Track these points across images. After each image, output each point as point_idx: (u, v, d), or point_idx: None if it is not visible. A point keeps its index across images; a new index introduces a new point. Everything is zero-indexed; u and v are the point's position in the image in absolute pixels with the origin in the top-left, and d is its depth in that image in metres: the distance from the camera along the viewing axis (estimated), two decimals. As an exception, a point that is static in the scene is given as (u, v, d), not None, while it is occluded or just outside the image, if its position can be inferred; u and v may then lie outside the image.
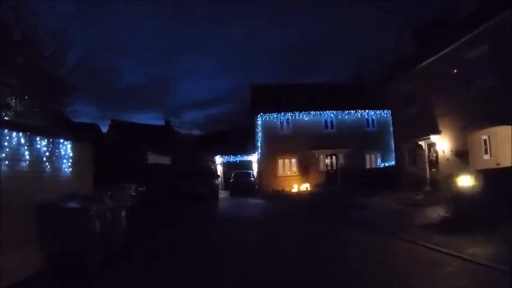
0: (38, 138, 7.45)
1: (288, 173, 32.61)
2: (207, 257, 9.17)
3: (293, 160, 32.66)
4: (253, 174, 34.27)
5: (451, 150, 17.84)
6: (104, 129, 40.18)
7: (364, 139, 32.08)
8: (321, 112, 32.49)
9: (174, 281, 7.25)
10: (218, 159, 38.39)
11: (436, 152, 19.52)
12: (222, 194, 29.99)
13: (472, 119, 16.10)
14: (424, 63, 19.65)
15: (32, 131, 7.33)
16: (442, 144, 18.78)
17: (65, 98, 10.48)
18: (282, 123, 32.69)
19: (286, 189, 30.45)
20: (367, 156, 32.87)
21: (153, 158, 26.81)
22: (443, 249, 8.04)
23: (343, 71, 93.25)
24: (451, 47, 17.26)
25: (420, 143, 20.64)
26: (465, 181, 10.78)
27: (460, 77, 16.93)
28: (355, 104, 32.40)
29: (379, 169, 30.69)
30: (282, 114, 32.36)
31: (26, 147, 6.98)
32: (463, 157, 16.74)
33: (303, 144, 31.57)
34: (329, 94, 32.92)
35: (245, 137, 36.94)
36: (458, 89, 17.06)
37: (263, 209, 20.99)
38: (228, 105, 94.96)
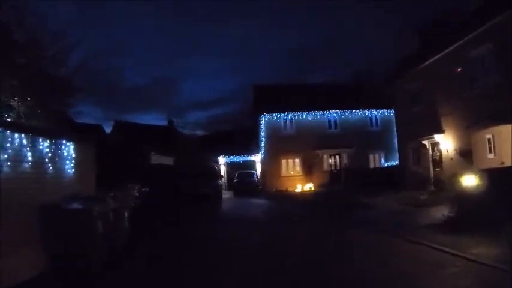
0: (40, 140, 7.45)
1: (292, 173, 32.60)
2: (211, 257, 9.15)
3: (296, 160, 32.65)
4: (256, 175, 34.29)
5: (455, 150, 17.77)
6: (108, 130, 40.29)
7: (367, 139, 32.04)
8: (324, 112, 32.47)
9: (177, 281, 7.24)
10: (221, 160, 38.41)
11: (440, 151, 19.45)
12: (226, 194, 29.99)
13: (476, 118, 16.01)
14: (428, 62, 19.59)
15: (34, 132, 7.33)
16: (446, 143, 18.71)
17: (68, 99, 10.49)
18: (285, 123, 32.67)
19: (290, 189, 30.42)
20: (371, 156, 32.84)
21: (156, 159, 26.84)
22: (447, 249, 7.98)
23: (343, 71, 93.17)
24: (455, 45, 17.20)
25: (424, 142, 20.57)
26: (469, 180, 10.70)
27: (464, 76, 16.87)
28: (359, 104, 32.39)
29: (382, 169, 30.65)
30: (285, 114, 32.35)
31: (28, 149, 6.98)
32: (467, 156, 16.67)
33: (306, 144, 31.54)
34: (332, 94, 32.89)
35: (248, 137, 36.95)
36: (462, 88, 16.99)
37: (266, 209, 20.97)
38: (231, 105, 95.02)
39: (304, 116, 32.38)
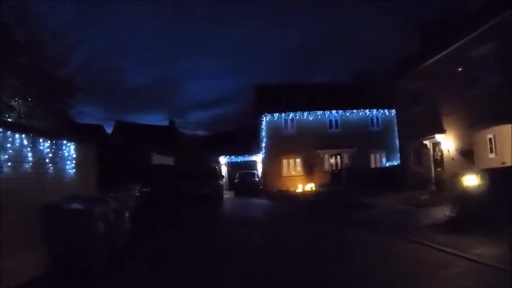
0: (41, 140, 7.45)
1: (293, 173, 32.57)
2: (211, 258, 9.15)
3: (298, 160, 32.61)
4: (257, 175, 34.27)
5: (456, 149, 17.74)
6: (109, 130, 40.30)
7: (368, 138, 31.99)
8: (325, 112, 32.42)
9: (178, 281, 7.24)
10: (223, 160, 38.39)
11: (441, 151, 19.42)
12: (227, 195, 30.00)
13: (477, 118, 15.98)
14: (429, 61, 19.56)
15: (34, 132, 7.33)
16: (447, 143, 18.68)
17: (68, 100, 10.48)
18: (286, 123, 32.63)
19: (291, 189, 30.38)
20: (372, 156, 32.77)
21: (157, 159, 26.84)
22: (449, 250, 7.97)
23: (344, 71, 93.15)
24: (457, 44, 17.17)
25: (425, 142, 20.55)
26: (470, 180, 10.69)
27: (465, 75, 16.84)
28: (360, 104, 32.32)
29: (384, 168, 30.61)
30: (286, 114, 32.31)
31: (29, 149, 6.98)
32: (468, 156, 16.64)
33: (307, 144, 31.50)
34: (333, 94, 32.82)
35: (249, 137, 36.92)
36: (463, 88, 16.96)
37: (268, 209, 20.97)
38: (232, 105, 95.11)
39: (305, 116, 32.33)
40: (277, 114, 32.29)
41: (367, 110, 32.76)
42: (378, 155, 32.92)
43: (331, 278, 6.94)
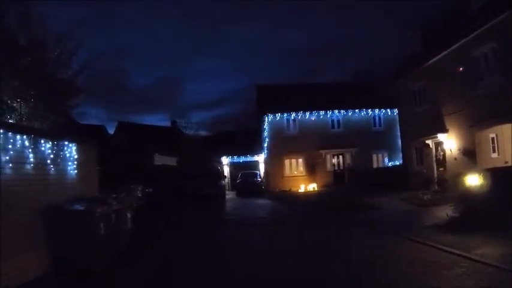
0: (42, 141, 7.45)
1: (295, 173, 32.54)
2: (213, 258, 9.18)
3: (300, 160, 32.58)
4: (260, 175, 34.24)
5: (459, 149, 17.70)
6: (111, 131, 40.40)
7: (371, 138, 31.96)
8: (328, 112, 32.37)
9: (179, 281, 7.24)
10: (225, 160, 38.39)
11: (444, 150, 19.38)
12: (229, 195, 29.97)
13: (479, 117, 15.95)
14: (431, 61, 19.52)
15: (36, 133, 7.33)
16: (450, 142, 18.64)
17: (71, 100, 10.48)
18: (288, 123, 32.60)
19: (293, 189, 30.38)
20: (374, 156, 32.73)
21: (159, 159, 26.89)
22: (451, 250, 7.95)
23: (346, 71, 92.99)
24: (458, 44, 17.14)
25: (427, 141, 20.51)
26: (473, 180, 10.65)
27: (467, 75, 16.80)
28: (362, 103, 32.26)
29: (386, 168, 30.58)
30: (288, 114, 32.27)
31: (30, 150, 6.97)
32: (470, 156, 16.60)
33: (309, 144, 31.45)
34: (335, 93, 32.83)
35: (252, 138, 36.92)
36: (465, 87, 16.92)
37: (270, 209, 20.95)
38: (234, 105, 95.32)
39: (307, 116, 32.29)
40: (279, 114, 32.24)
41: (369, 110, 32.69)
42: (380, 155, 32.87)
43: (333, 278, 6.93)
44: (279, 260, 8.50)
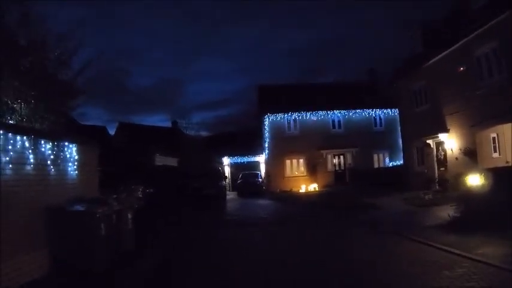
0: (42, 142, 7.44)
1: (296, 173, 32.53)
2: (213, 258, 9.18)
3: (301, 160, 32.58)
4: (260, 175, 34.23)
5: (460, 149, 17.68)
6: (112, 132, 40.40)
7: (372, 138, 31.96)
8: (328, 112, 32.38)
9: (179, 282, 7.23)
10: (226, 160, 38.39)
11: (445, 150, 19.36)
12: (230, 195, 29.98)
13: (480, 117, 15.93)
14: (432, 61, 19.51)
15: (36, 134, 7.32)
16: (451, 142, 18.62)
17: (71, 101, 10.46)
18: (289, 123, 32.60)
19: (294, 189, 30.36)
20: (375, 156, 32.74)
21: (160, 160, 26.88)
22: (453, 250, 7.93)
23: (347, 71, 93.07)
24: (460, 43, 17.12)
25: (428, 141, 20.48)
26: (474, 180, 10.64)
27: (468, 75, 16.79)
28: (363, 103, 32.25)
29: (387, 168, 30.60)
30: (289, 114, 32.28)
31: (30, 151, 6.97)
32: (471, 156, 16.58)
33: (310, 144, 31.45)
34: (336, 94, 32.83)
35: (253, 138, 36.90)
36: (466, 87, 16.91)
37: (271, 209, 20.92)
38: (235, 106, 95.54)
39: (308, 116, 32.30)
40: (279, 114, 32.26)
41: (370, 110, 32.67)
42: (381, 155, 32.87)
43: (334, 278, 6.92)
44: (279, 260, 8.50)
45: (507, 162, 14.37)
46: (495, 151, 15.89)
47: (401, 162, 27.01)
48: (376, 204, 16.78)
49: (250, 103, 65.28)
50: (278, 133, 32.43)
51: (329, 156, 32.48)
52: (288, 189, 30.43)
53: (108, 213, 8.06)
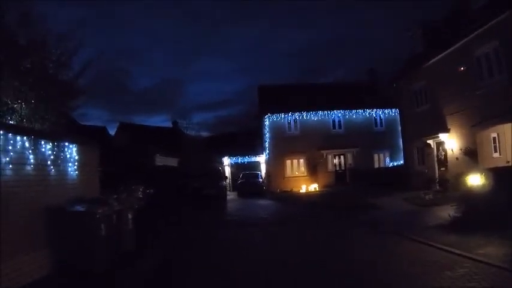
0: (42, 142, 7.44)
1: (296, 173, 32.51)
2: (214, 258, 9.17)
3: (301, 160, 32.55)
4: (261, 175, 34.18)
5: (460, 149, 17.66)
6: (113, 132, 40.44)
7: (372, 138, 31.95)
8: (329, 112, 32.36)
9: (180, 282, 7.23)
10: (226, 161, 38.36)
11: (445, 150, 19.35)
12: (230, 195, 29.95)
13: (481, 117, 15.92)
14: (433, 61, 19.51)
15: (36, 134, 7.31)
16: (451, 142, 18.61)
17: (71, 101, 10.46)
18: (289, 123, 32.59)
19: (295, 189, 30.34)
20: (376, 156, 32.70)
21: (161, 160, 26.85)
22: (453, 250, 7.92)
23: (347, 71, 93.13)
24: (460, 43, 17.12)
25: (429, 141, 20.47)
26: (475, 180, 10.62)
27: (468, 75, 16.78)
28: (363, 104, 32.22)
29: (387, 168, 30.59)
30: (290, 114, 32.26)
31: (30, 151, 6.96)
32: (472, 155, 16.57)
33: (310, 145, 31.44)
34: (336, 94, 32.85)
35: (253, 138, 36.87)
36: (467, 87, 16.90)
37: (271, 210, 20.91)
38: (236, 106, 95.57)
39: (308, 116, 32.26)
40: (280, 114, 32.24)
41: (370, 110, 32.65)
42: (381, 155, 32.84)
43: (334, 278, 6.91)
44: (280, 261, 8.49)
45: (507, 162, 14.35)
46: (495, 151, 15.87)
47: (402, 162, 27.01)
48: (376, 204, 16.77)
49: (251, 103, 65.44)
50: (278, 133, 32.42)
51: (329, 157, 32.46)
52: (289, 190, 30.42)
53: (109, 213, 8.06)
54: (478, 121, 16.15)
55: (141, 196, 13.36)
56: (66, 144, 8.49)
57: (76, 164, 8.88)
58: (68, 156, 8.57)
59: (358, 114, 32.65)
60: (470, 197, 10.51)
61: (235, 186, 34.82)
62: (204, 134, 44.69)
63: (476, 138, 16.60)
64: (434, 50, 19.34)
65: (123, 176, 14.26)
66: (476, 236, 8.67)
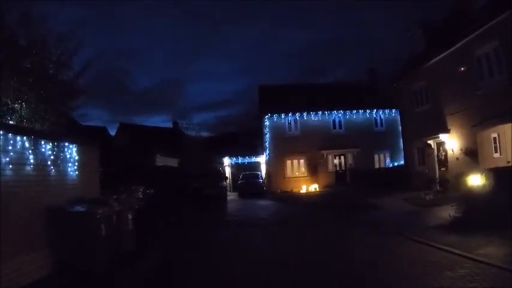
0: (42, 142, 7.43)
1: (297, 173, 32.48)
2: (214, 258, 9.17)
3: (301, 161, 32.53)
4: (261, 176, 34.15)
5: (461, 149, 17.66)
6: (113, 132, 40.45)
7: (372, 139, 31.92)
8: (329, 112, 32.34)
9: (180, 282, 7.22)
10: (226, 161, 38.34)
11: (445, 150, 19.34)
12: (231, 196, 29.92)
13: (481, 117, 15.91)
14: (433, 61, 19.50)
15: (36, 134, 7.31)
16: (451, 142, 18.60)
17: (71, 102, 10.45)
18: (289, 123, 32.58)
19: (295, 190, 30.32)
20: (376, 156, 32.66)
21: (161, 160, 26.87)
22: (454, 250, 7.91)
23: (348, 71, 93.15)
24: (460, 43, 17.11)
25: (429, 142, 20.46)
26: (475, 180, 10.61)
27: (469, 75, 16.77)
28: (364, 104, 32.21)
29: (388, 169, 30.57)
30: (290, 114, 32.24)
31: (30, 151, 6.95)
32: (472, 156, 16.56)
33: (311, 145, 31.41)
34: (336, 94, 32.81)
35: (253, 139, 36.88)
36: (467, 87, 16.89)
37: (271, 210, 20.89)
38: (236, 107, 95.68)
39: (308, 117, 32.23)
40: (280, 114, 32.23)
41: (371, 110, 32.63)
42: (382, 155, 32.81)
43: (335, 278, 6.90)
44: (280, 261, 8.48)
45: (508, 162, 14.34)
46: (496, 151, 15.86)
47: (402, 162, 27.01)
48: (377, 204, 16.76)
49: (251, 103, 65.50)
50: (279, 133, 32.40)
51: (330, 157, 32.44)
52: (289, 190, 30.40)
53: (109, 213, 8.05)
54: (478, 121, 16.14)
55: (141, 196, 13.36)
56: (66, 144, 8.49)
57: (76, 164, 8.87)
58: (68, 156, 8.56)
59: (358, 115, 32.63)
60: (470, 197, 10.50)
61: (235, 186, 34.79)
62: (204, 134, 44.73)
63: (476, 139, 16.59)
64: (435, 50, 19.33)
65: (123, 176, 14.27)
66: (476, 236, 8.66)
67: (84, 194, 8.79)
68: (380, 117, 33.08)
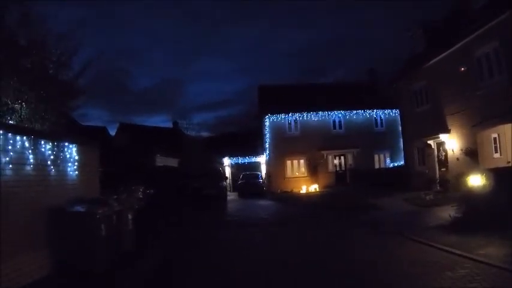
0: (42, 142, 7.42)
1: (297, 174, 32.48)
2: (214, 258, 9.16)
3: (301, 161, 32.52)
4: (261, 176, 34.15)
5: (461, 149, 17.65)
6: (113, 132, 40.44)
7: (372, 139, 31.92)
8: (329, 112, 32.35)
9: (180, 282, 7.21)
10: (226, 161, 38.34)
11: (446, 151, 19.34)
12: (231, 196, 29.92)
13: (481, 117, 15.90)
14: (433, 61, 19.50)
15: (36, 134, 7.30)
16: (452, 143, 18.59)
17: (71, 102, 10.45)
18: (289, 124, 32.57)
19: (295, 190, 30.31)
20: (376, 156, 32.66)
21: (161, 160, 26.86)
22: (454, 250, 7.90)
23: (348, 71, 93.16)
24: (460, 43, 17.10)
25: (429, 142, 20.45)
26: (475, 180, 10.60)
27: (469, 75, 16.76)
28: (364, 104, 32.21)
29: (388, 169, 30.56)
30: (290, 115, 32.24)
31: (30, 151, 6.95)
32: (472, 156, 16.55)
33: (311, 145, 31.41)
34: (336, 94, 32.81)
35: (253, 139, 36.88)
36: (467, 87, 16.88)
37: (271, 210, 20.89)
38: (236, 107, 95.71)
39: (308, 117, 32.23)
40: (280, 115, 32.22)
41: (371, 111, 32.62)
42: (382, 156, 32.81)
43: (335, 278, 6.90)
44: (280, 261, 8.48)
45: (508, 162, 14.33)
46: (496, 151, 15.86)
47: (402, 162, 27.00)
48: (377, 204, 16.75)
49: (251, 103, 65.46)
50: (279, 134, 32.40)
51: (330, 157, 32.44)
52: (289, 190, 30.40)
53: (109, 213, 8.05)
54: (478, 121, 16.14)
55: (141, 196, 13.36)
56: (66, 144, 8.48)
57: (76, 164, 8.87)
58: (68, 156, 8.55)
59: (358, 115, 32.63)
60: (470, 198, 10.49)
61: (235, 186, 34.79)
62: (204, 134, 44.72)
63: (476, 139, 16.59)
64: (435, 50, 19.33)
65: (123, 176, 14.27)
66: (476, 237, 8.65)
67: (84, 194, 8.79)
68: (380, 117, 33.08)
